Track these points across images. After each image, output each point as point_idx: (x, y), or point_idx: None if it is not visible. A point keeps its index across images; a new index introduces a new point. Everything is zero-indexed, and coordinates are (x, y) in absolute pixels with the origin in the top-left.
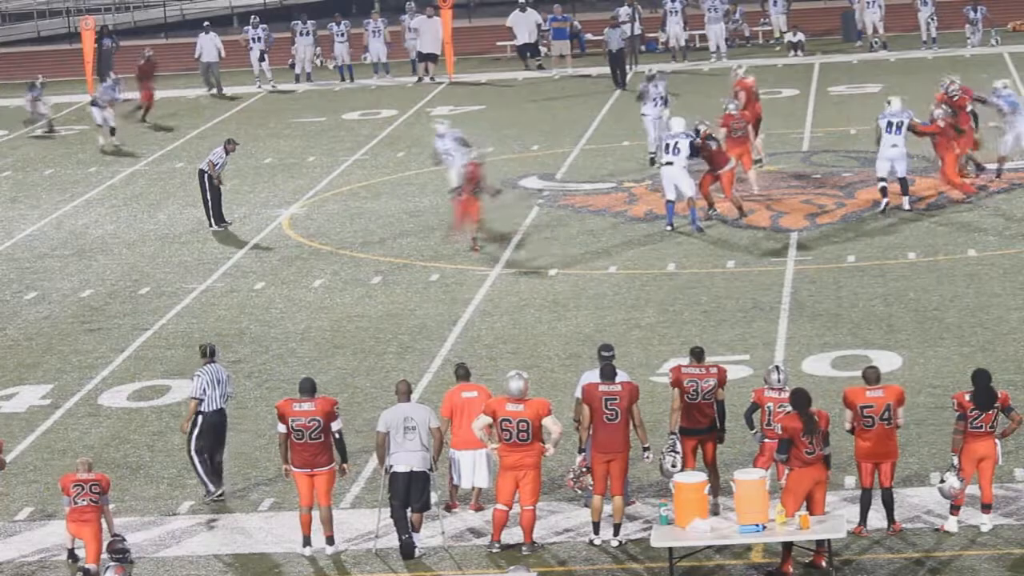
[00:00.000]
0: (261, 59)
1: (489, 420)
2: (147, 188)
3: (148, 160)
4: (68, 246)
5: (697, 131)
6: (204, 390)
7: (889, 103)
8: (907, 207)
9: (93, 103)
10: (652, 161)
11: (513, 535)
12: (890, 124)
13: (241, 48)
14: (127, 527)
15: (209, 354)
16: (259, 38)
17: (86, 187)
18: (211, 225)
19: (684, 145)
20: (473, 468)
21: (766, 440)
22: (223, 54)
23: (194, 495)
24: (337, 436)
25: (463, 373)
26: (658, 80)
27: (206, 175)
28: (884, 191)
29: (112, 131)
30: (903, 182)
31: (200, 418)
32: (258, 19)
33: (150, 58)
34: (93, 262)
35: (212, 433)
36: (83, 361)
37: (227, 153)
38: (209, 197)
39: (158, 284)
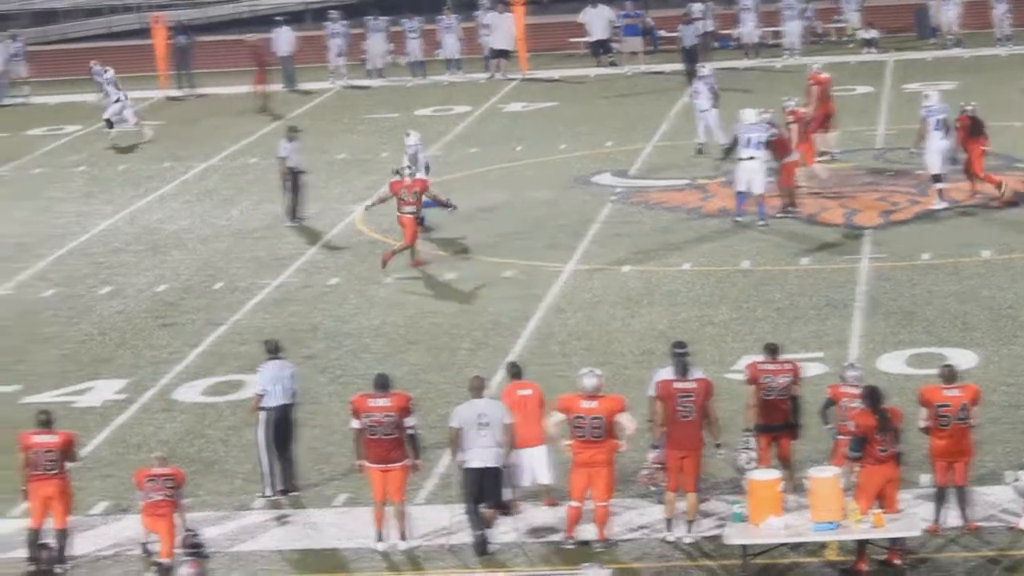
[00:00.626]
0: (339, 55)
1: (562, 417)
2: (221, 183)
3: (222, 155)
4: (142, 241)
5: (772, 124)
6: (266, 386)
7: (928, 97)
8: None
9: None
10: (699, 151)
11: (587, 532)
12: (937, 120)
13: (315, 43)
14: (201, 522)
15: (273, 350)
16: (338, 34)
17: (160, 182)
18: (291, 220)
19: (764, 140)
20: (533, 466)
21: (839, 436)
22: (297, 49)
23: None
24: (411, 432)
25: (515, 371)
26: (708, 75)
27: (289, 170)
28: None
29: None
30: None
31: (264, 414)
32: (338, 15)
33: (259, 46)
34: (167, 257)
35: (276, 429)
36: (158, 356)
37: (289, 141)
38: (290, 191)
39: (232, 279)
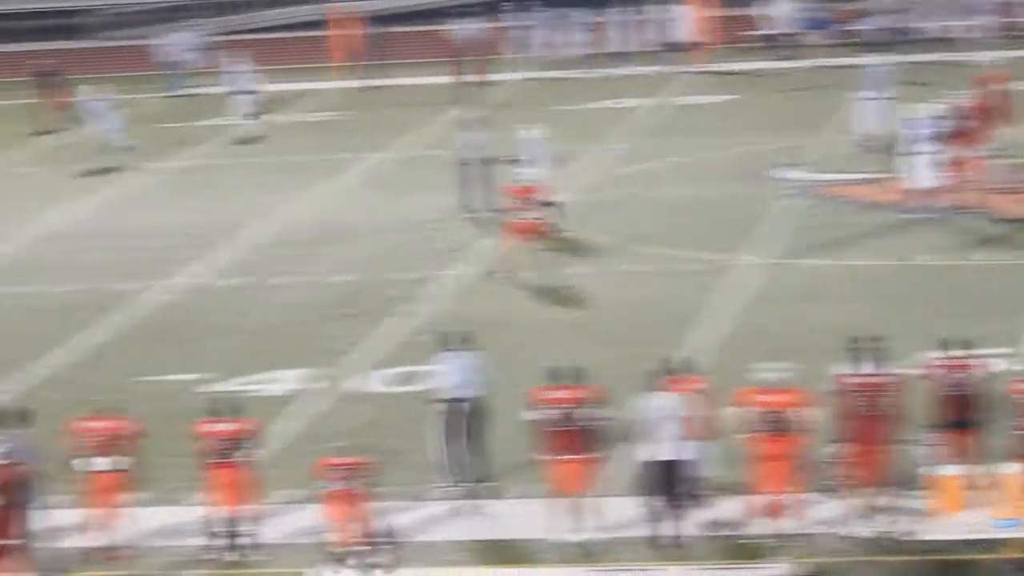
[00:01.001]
0: (521, 47)
1: (741, 410)
2: (401, 174)
3: (403, 146)
4: (324, 231)
5: (946, 117)
6: (454, 377)
7: None
8: None
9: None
10: (872, 145)
11: (767, 525)
12: None
13: (497, 35)
14: (383, 511)
15: (458, 341)
16: (520, 26)
17: (350, 172)
18: (469, 211)
19: (937, 134)
20: (702, 459)
21: (1018, 432)
22: (479, 41)
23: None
24: (595, 423)
25: (684, 366)
26: (881, 67)
27: (476, 160)
28: None
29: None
30: None
31: (447, 405)
32: (513, 6)
33: (478, 37)
34: (356, 247)
35: (463, 421)
36: (339, 346)
37: (470, 132)
38: (470, 183)
39: (412, 270)
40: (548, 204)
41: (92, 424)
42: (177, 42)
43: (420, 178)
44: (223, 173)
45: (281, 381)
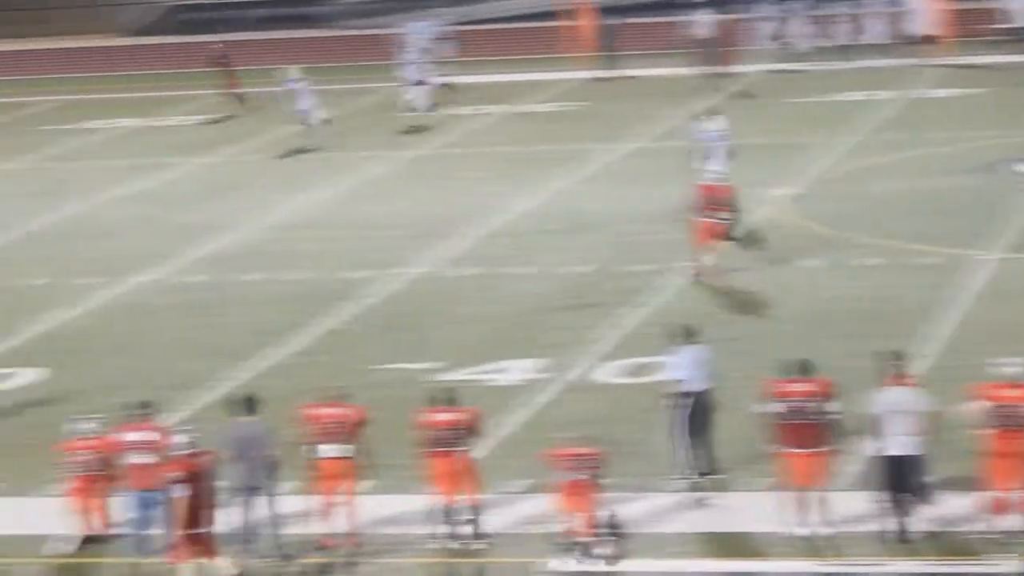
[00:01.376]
0: (769, 38)
1: (984, 405)
2: (643, 166)
3: (645, 138)
4: (564, 222)
5: None
6: (683, 370)
7: None
8: None
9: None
10: None
11: (998, 523)
12: None
13: (730, 28)
14: (618, 502)
15: (688, 334)
16: (765, 17)
17: (583, 163)
18: None
19: None
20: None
21: None
22: (718, 33)
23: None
24: (832, 417)
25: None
26: None
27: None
28: None
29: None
30: None
31: (682, 399)
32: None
33: (711, 29)
34: (588, 238)
35: (695, 413)
36: (576, 336)
37: (711, 124)
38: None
39: (652, 262)
40: (729, 203)
41: (320, 411)
42: (415, 31)
43: (653, 170)
44: (458, 162)
45: (511, 371)
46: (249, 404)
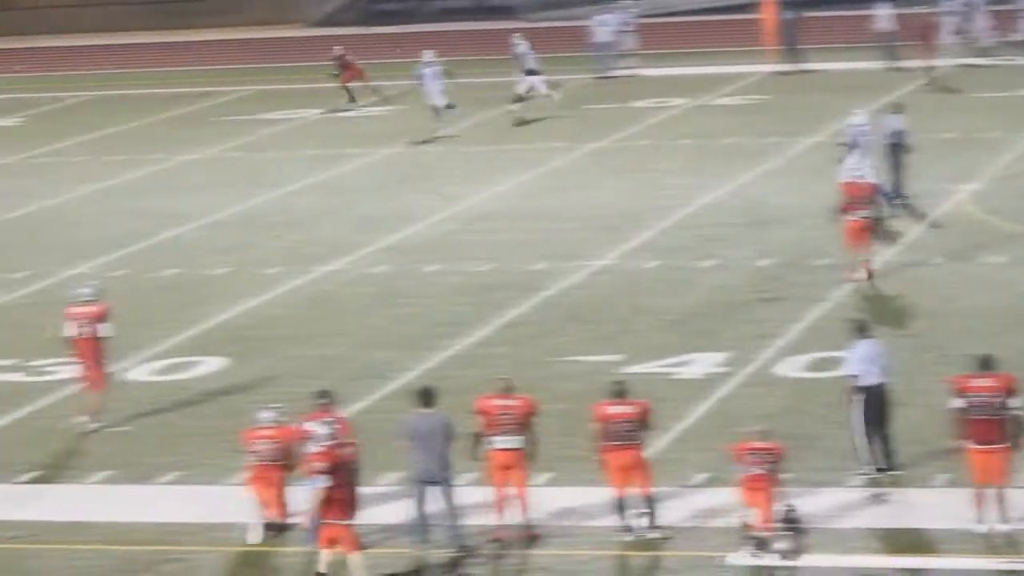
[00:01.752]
0: (958, 32)
1: None
2: (827, 160)
3: (828, 132)
4: (747, 215)
5: None
6: (858, 365)
7: None
8: None
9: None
10: None
11: None
12: None
13: (922, 21)
14: (798, 497)
15: (862, 329)
16: (954, 12)
17: (766, 157)
18: (895, 197)
19: None
20: None
21: None
22: (897, 27)
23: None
24: (1015, 413)
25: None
26: None
27: (893, 146)
28: None
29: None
30: None
31: (860, 393)
32: None
33: (897, 24)
34: (771, 232)
35: (872, 408)
36: (759, 330)
37: (894, 118)
38: (893, 169)
39: (835, 256)
40: (871, 200)
41: (492, 402)
42: (607, 23)
43: (835, 164)
44: (642, 155)
45: (693, 364)
46: (427, 395)
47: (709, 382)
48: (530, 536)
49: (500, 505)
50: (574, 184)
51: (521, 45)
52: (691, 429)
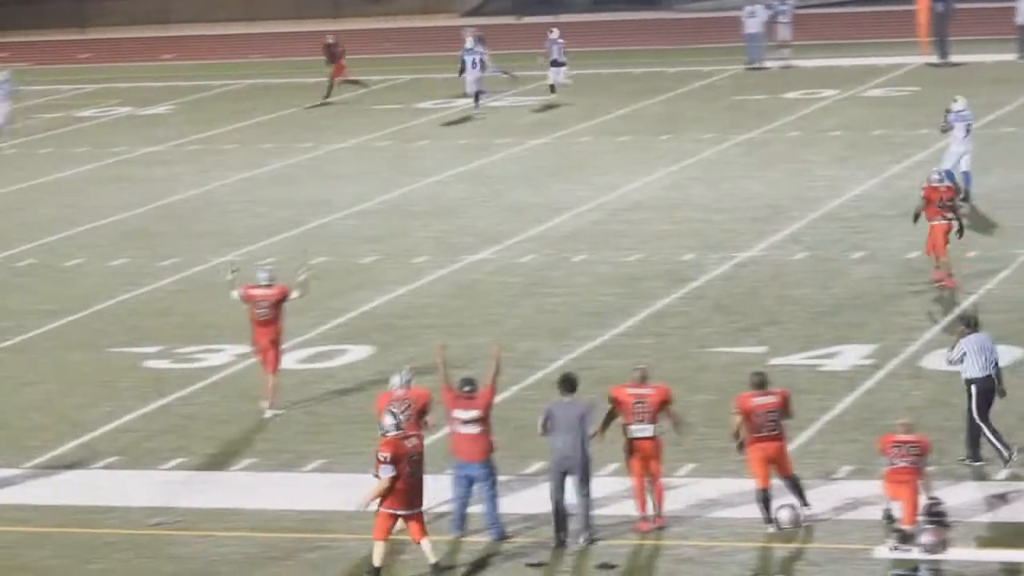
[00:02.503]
0: None
1: None
2: (976, 152)
3: (978, 124)
4: (896, 207)
5: None
6: (966, 358)
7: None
8: None
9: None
10: None
11: None
12: None
13: None
14: (945, 491)
15: (972, 324)
16: None
17: (915, 149)
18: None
19: None
20: None
21: None
22: None
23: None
24: None
25: None
26: None
27: None
28: None
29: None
30: None
31: (972, 386)
32: None
33: None
34: (920, 223)
35: (983, 399)
36: (907, 323)
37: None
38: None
39: (985, 248)
40: (952, 204)
41: (628, 391)
42: (756, 14)
43: (996, 156)
44: (799, 146)
45: (841, 356)
46: (568, 383)
47: (855, 374)
48: (659, 526)
49: (639, 495)
50: (723, 175)
51: (555, 32)
52: (836, 421)
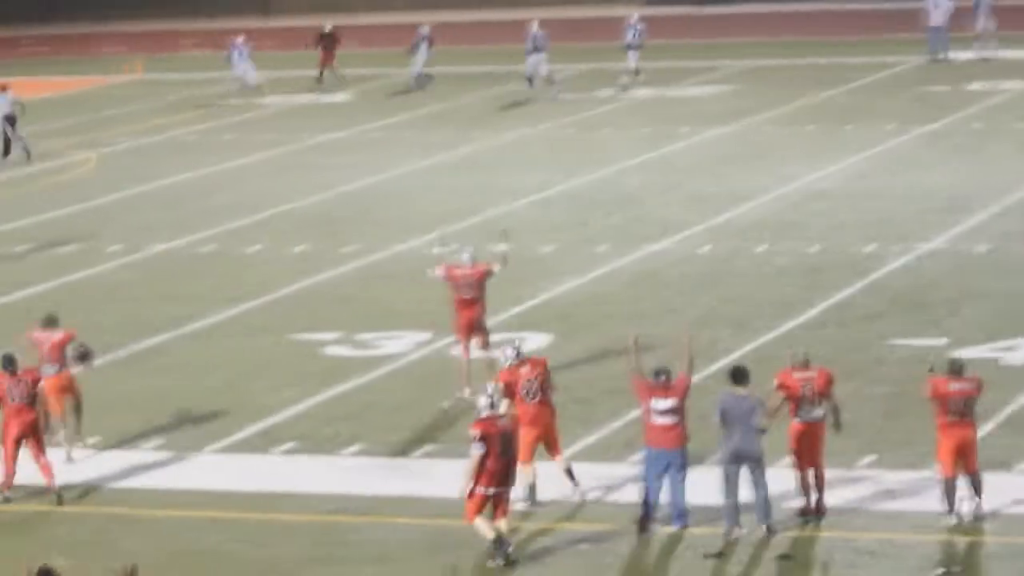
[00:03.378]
0: None
1: None
2: None
3: None
4: None
5: None
6: None
7: None
8: None
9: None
10: None
11: None
12: None
13: None
14: None
15: None
16: None
17: None
18: None
19: None
20: None
21: None
22: None
23: None
24: None
25: None
26: None
27: None
28: None
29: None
30: None
31: None
32: None
33: None
34: None
35: None
36: None
37: None
38: None
39: None
40: None
41: (797, 375)
42: (940, 4)
43: None
44: (983, 138)
45: (1022, 349)
46: (740, 374)
47: None
48: (819, 512)
49: (804, 480)
50: (906, 166)
51: (634, 16)
52: (1019, 414)
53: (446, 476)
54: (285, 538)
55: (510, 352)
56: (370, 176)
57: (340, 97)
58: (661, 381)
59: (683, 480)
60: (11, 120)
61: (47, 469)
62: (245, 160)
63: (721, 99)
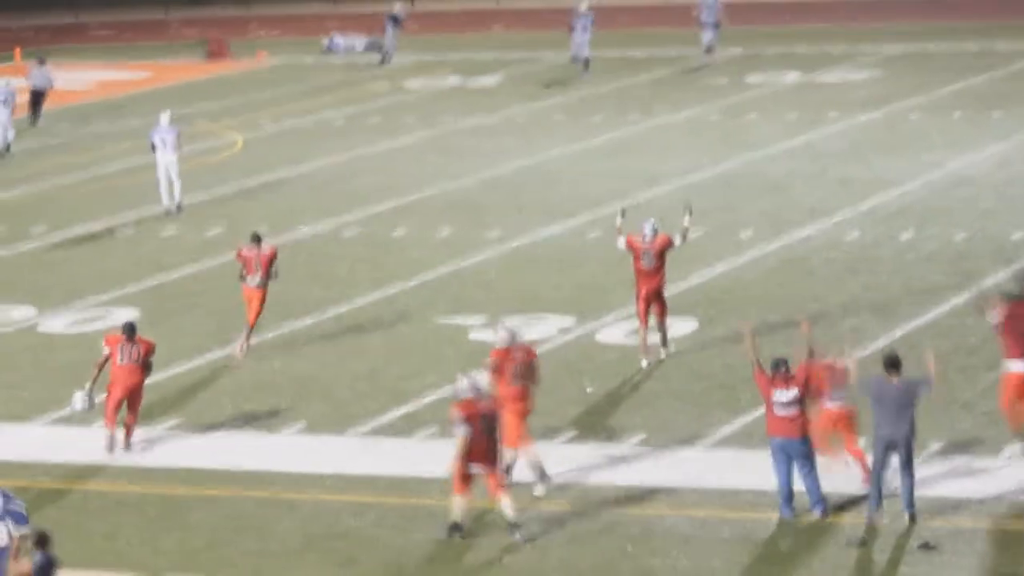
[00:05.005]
0: None
1: None
2: None
3: None
4: None
5: None
6: None
7: None
8: None
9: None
10: None
11: None
12: None
13: None
14: None
15: None
16: None
17: None
18: None
19: None
20: None
21: None
22: None
23: None
24: None
25: None
26: None
27: None
28: None
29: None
30: None
31: None
32: None
33: None
34: None
35: None
36: None
37: None
38: None
39: None
40: None
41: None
42: None
43: None
44: None
45: None
46: (893, 361)
47: None
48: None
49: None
50: None
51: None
52: None
53: (587, 461)
54: (427, 523)
55: (504, 334)
56: (517, 160)
57: (490, 80)
58: (781, 373)
59: (812, 468)
60: (40, 94)
61: (129, 431)
62: (391, 144)
63: (867, 85)
